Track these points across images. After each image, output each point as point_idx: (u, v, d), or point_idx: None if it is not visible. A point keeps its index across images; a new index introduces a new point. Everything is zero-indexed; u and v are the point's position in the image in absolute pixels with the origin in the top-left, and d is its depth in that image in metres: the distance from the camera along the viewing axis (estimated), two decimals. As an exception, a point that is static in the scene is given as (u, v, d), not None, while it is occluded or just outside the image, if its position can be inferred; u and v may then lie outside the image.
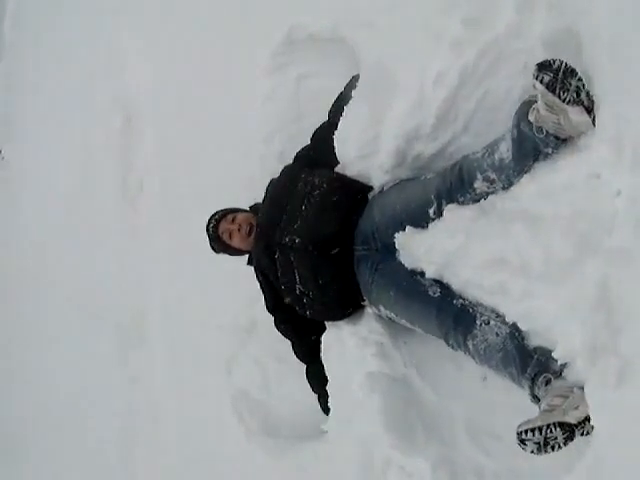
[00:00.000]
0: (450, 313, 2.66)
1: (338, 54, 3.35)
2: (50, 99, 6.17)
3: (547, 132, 2.32)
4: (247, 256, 3.47)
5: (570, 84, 2.22)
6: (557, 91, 2.21)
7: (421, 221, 2.81)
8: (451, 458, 2.67)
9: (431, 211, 2.76)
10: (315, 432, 3.17)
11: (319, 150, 3.40)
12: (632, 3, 2.13)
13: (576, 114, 2.25)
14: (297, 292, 3.17)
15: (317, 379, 3.32)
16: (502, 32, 2.56)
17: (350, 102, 3.17)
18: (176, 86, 4.65)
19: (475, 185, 2.62)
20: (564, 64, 2.21)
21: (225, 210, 3.45)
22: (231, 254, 3.48)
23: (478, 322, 2.56)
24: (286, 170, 3.44)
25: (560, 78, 2.20)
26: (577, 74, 2.23)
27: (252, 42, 3.85)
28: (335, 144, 3.20)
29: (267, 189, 3.41)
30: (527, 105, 2.36)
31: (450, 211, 2.70)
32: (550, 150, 2.38)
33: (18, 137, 6.82)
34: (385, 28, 3.05)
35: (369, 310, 3.17)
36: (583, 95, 2.23)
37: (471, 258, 2.56)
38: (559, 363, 2.29)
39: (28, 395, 5.85)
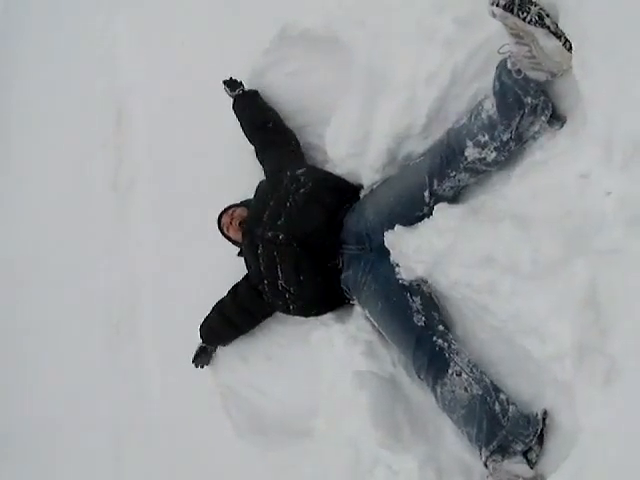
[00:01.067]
0: (427, 351, 2.66)
1: (331, 52, 3.34)
2: (41, 96, 6.15)
3: (526, 74, 2.32)
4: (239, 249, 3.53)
5: (529, 8, 2.23)
6: (515, 11, 2.21)
7: (416, 210, 2.80)
8: (438, 456, 2.66)
9: (426, 194, 2.74)
10: (304, 430, 3.17)
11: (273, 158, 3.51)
12: (622, 4, 2.13)
13: (544, 39, 2.25)
14: (279, 288, 3.19)
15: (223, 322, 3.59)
16: (493, 32, 2.56)
17: (342, 101, 3.18)
18: (168, 83, 4.64)
19: (466, 153, 2.58)
20: None
21: (229, 205, 3.55)
22: (235, 245, 3.56)
23: (450, 371, 2.57)
24: (271, 171, 3.49)
25: (517, 2, 2.22)
26: (536, 3, 2.24)
27: (245, 39, 3.85)
28: (326, 142, 3.21)
29: (257, 188, 3.44)
30: (504, 60, 2.38)
31: (439, 210, 2.70)
32: (530, 100, 2.37)
33: (8, 134, 6.78)
34: (377, 27, 3.05)
35: (358, 308, 3.18)
36: (548, 21, 2.24)
37: (460, 257, 2.56)
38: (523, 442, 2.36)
39: (14, 394, 5.82)
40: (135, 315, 4.60)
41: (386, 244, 2.86)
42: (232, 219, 3.44)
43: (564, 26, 2.27)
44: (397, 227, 2.83)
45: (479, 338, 2.73)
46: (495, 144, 2.51)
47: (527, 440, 2.37)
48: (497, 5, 2.22)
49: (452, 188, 2.73)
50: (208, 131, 4.14)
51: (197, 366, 3.81)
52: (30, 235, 5.86)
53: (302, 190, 3.13)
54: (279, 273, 3.15)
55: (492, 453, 2.39)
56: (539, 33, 2.24)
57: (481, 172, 2.66)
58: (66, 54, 5.95)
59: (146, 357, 4.47)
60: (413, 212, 2.81)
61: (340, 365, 2.97)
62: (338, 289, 3.14)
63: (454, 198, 2.79)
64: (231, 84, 3.79)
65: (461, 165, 2.63)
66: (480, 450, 2.44)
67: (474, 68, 2.67)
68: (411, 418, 2.79)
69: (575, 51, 2.26)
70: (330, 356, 3.05)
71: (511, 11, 2.21)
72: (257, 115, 3.67)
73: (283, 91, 3.72)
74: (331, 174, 3.25)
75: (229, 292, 3.58)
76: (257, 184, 3.44)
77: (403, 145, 2.92)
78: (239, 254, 3.50)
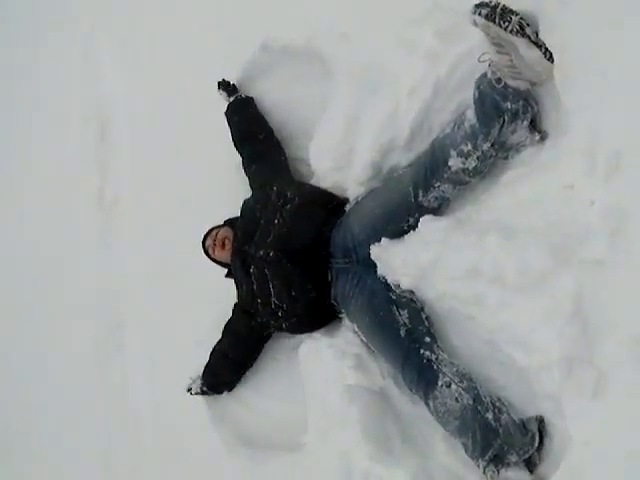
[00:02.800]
0: (415, 365, 2.66)
1: (313, 66, 3.34)
2: (21, 111, 6.11)
3: (506, 83, 2.33)
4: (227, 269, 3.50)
5: (511, 18, 2.24)
6: (497, 20, 2.23)
7: (402, 221, 2.80)
8: (429, 469, 2.65)
9: (411, 205, 2.75)
10: (293, 444, 3.16)
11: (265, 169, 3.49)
12: (603, 16, 2.15)
13: (525, 48, 2.27)
14: (272, 306, 3.17)
15: (217, 368, 3.55)
16: (474, 44, 2.57)
17: (325, 114, 3.18)
18: (151, 97, 4.62)
19: (450, 163, 2.58)
20: (502, 4, 2.25)
21: (212, 228, 3.50)
22: (221, 266, 3.51)
23: (439, 382, 2.57)
24: (258, 185, 3.48)
25: (499, 12, 2.23)
26: (517, 13, 2.26)
27: (227, 52, 3.84)
28: (310, 156, 3.21)
29: (241, 208, 3.42)
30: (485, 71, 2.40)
31: (425, 222, 2.70)
32: (510, 105, 2.38)
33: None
34: (359, 40, 3.06)
35: (346, 322, 3.18)
36: (528, 31, 2.26)
37: (446, 269, 2.56)
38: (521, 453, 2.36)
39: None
40: (121, 330, 4.57)
41: (372, 257, 2.86)
42: (215, 240, 3.40)
43: (545, 37, 2.28)
44: (383, 240, 2.83)
45: (468, 350, 2.72)
46: (477, 153, 2.52)
47: (524, 450, 2.36)
48: (479, 14, 2.24)
49: (437, 199, 2.73)
50: (193, 145, 4.12)
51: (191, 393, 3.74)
52: (13, 251, 5.82)
53: (289, 206, 3.12)
54: (271, 290, 3.14)
55: (489, 463, 2.39)
56: (520, 43, 2.26)
57: (465, 183, 2.67)
58: (48, 69, 5.91)
59: (133, 372, 4.44)
60: (398, 223, 2.82)
61: (329, 379, 2.96)
62: (329, 304, 3.14)
63: (439, 209, 2.80)
64: (226, 87, 3.74)
65: (445, 175, 2.63)
66: (477, 461, 2.45)
67: (456, 80, 2.69)
68: (401, 431, 2.79)
69: (557, 63, 2.28)
70: (319, 370, 3.04)
71: (493, 20, 2.23)
72: (249, 124, 3.63)
73: (266, 105, 3.71)
74: (318, 188, 3.24)
75: (223, 331, 3.54)
76: (242, 201, 3.42)
77: (387, 158, 2.92)
78: (227, 275, 3.48)
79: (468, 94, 2.58)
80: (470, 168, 2.57)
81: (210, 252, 3.46)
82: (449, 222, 2.63)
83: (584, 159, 2.17)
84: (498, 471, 2.37)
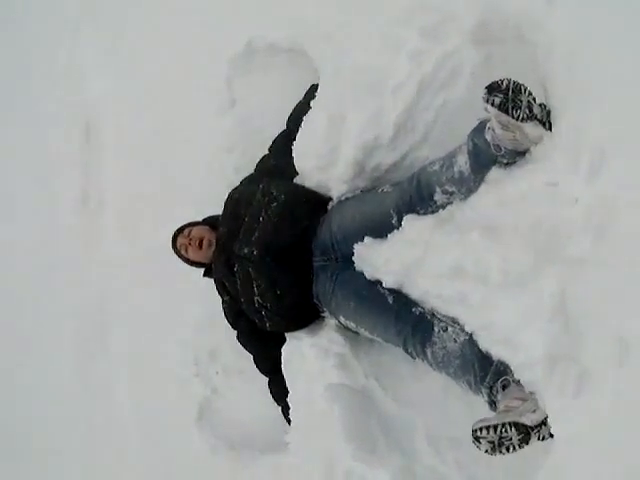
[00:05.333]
0: (408, 321, 2.67)
1: (297, 65, 3.34)
2: (5, 112, 6.09)
3: (505, 148, 2.34)
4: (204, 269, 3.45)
5: (521, 101, 2.23)
6: (510, 111, 2.22)
7: (381, 232, 2.81)
8: (412, 468, 2.66)
9: (394, 222, 2.76)
10: (276, 445, 3.15)
11: (279, 160, 3.40)
12: (588, 16, 2.16)
13: (531, 129, 2.28)
14: (256, 305, 3.15)
15: (280, 391, 3.29)
16: (459, 43, 2.57)
17: (309, 112, 3.17)
18: (136, 98, 4.61)
19: (435, 198, 2.63)
20: (512, 82, 2.22)
21: (183, 225, 3.44)
22: (193, 266, 3.46)
23: (436, 329, 2.57)
24: (245, 181, 3.46)
25: (511, 97, 2.21)
26: (526, 89, 2.25)
27: (212, 53, 3.84)
28: (294, 155, 3.20)
29: (226, 202, 3.38)
30: (483, 123, 2.38)
31: (409, 221, 2.70)
32: (506, 160, 2.40)
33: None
34: (343, 39, 3.06)
35: (329, 321, 3.17)
36: (535, 109, 2.27)
37: (430, 268, 2.56)
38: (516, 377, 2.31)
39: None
40: (105, 332, 4.56)
41: (355, 256, 2.86)
42: (190, 239, 3.34)
43: (531, 37, 2.29)
44: (366, 239, 2.83)
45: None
46: (464, 195, 2.57)
47: None
48: (492, 104, 2.22)
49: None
50: (178, 147, 4.12)
51: None
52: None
53: (275, 204, 3.11)
54: (255, 289, 3.12)
55: (493, 385, 2.35)
56: (529, 127, 2.27)
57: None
58: (33, 70, 5.89)
59: (117, 374, 4.43)
60: (379, 233, 2.83)
61: (312, 378, 2.96)
62: (312, 303, 3.13)
63: None
64: None
65: (429, 208, 2.68)
66: (481, 391, 2.41)
67: (441, 79, 2.69)
68: (384, 430, 2.79)
69: (542, 62, 2.29)
70: (302, 369, 3.04)
71: (506, 111, 2.21)
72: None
73: (250, 104, 3.71)
74: (303, 187, 3.23)
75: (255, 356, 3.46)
76: (227, 194, 3.39)
77: (371, 156, 2.92)
78: (205, 274, 3.45)
79: (452, 93, 2.60)
80: (455, 201, 2.61)
81: (183, 251, 3.39)
82: (433, 221, 2.62)
83: (568, 157, 2.18)
84: (508, 384, 2.32)
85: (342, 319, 3.01)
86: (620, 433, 1.93)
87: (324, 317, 3.20)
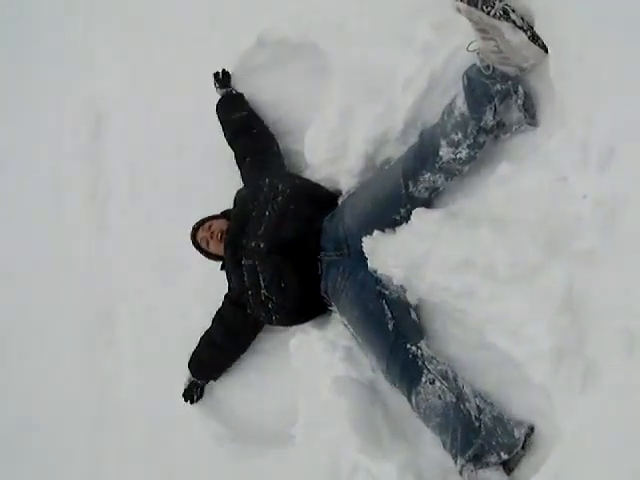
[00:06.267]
0: (399, 360, 2.66)
1: (309, 58, 3.34)
2: (17, 102, 6.10)
3: (494, 68, 2.35)
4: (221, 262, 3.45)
5: (494, 3, 2.26)
6: (480, 5, 2.24)
7: (393, 213, 2.80)
8: (417, 462, 2.66)
9: (402, 196, 2.75)
10: (283, 437, 3.15)
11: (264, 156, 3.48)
12: (598, 9, 2.15)
13: (510, 33, 2.28)
14: (262, 298, 3.16)
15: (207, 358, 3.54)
16: (470, 37, 2.56)
17: (321, 107, 3.18)
18: (147, 91, 4.60)
19: (441, 153, 2.60)
20: None
21: (203, 219, 3.44)
22: (212, 259, 3.46)
23: (423, 379, 2.57)
24: (250, 178, 3.47)
25: None
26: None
27: (223, 47, 3.84)
28: (305, 147, 3.21)
29: (235, 198, 3.40)
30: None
31: (417, 215, 2.70)
32: (499, 87, 2.41)
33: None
34: (354, 33, 3.05)
35: (336, 315, 3.16)
36: (513, 16, 2.28)
37: (438, 261, 2.56)
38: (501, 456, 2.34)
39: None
40: (113, 322, 4.56)
41: (364, 250, 2.85)
42: (212, 233, 3.34)
43: (544, 31, 2.29)
44: (375, 232, 2.82)
45: (457, 344, 2.73)
46: (468, 141, 2.53)
47: (505, 451, 2.36)
48: (461, 0, 2.25)
49: (427, 189, 2.73)
50: (188, 140, 4.11)
51: (187, 401, 3.72)
52: (4, 246, 5.80)
53: (280, 198, 3.12)
54: (261, 282, 3.12)
55: (467, 462, 2.39)
56: (504, 27, 2.27)
57: (456, 173, 2.68)
58: (45, 64, 5.90)
59: (124, 368, 4.43)
60: (390, 215, 2.81)
61: (319, 371, 2.95)
62: (319, 297, 3.13)
63: (431, 201, 2.81)
64: (221, 79, 3.74)
65: (436, 165, 2.64)
66: (455, 459, 2.44)
67: (451, 73, 2.68)
68: (390, 423, 2.79)
69: (552, 56, 2.28)
70: (309, 362, 3.03)
71: (475, 5, 2.24)
72: (241, 120, 3.61)
73: (262, 98, 3.71)
74: (310, 181, 3.24)
75: (213, 320, 3.51)
76: (236, 192, 3.41)
77: (381, 150, 2.93)
78: (222, 268, 3.43)
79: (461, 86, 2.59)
80: (461, 157, 2.59)
81: (204, 245, 3.40)
82: (441, 214, 2.63)
83: (577, 152, 2.17)
84: (476, 471, 2.36)
85: (345, 321, 3.02)
86: (627, 428, 1.93)
87: (331, 311, 3.20)
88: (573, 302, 2.12)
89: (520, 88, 2.45)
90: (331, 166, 3.12)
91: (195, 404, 3.71)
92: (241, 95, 3.71)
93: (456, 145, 2.56)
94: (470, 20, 2.28)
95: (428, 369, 2.58)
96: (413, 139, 2.81)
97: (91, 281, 4.80)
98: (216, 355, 3.57)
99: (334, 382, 2.86)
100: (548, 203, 2.26)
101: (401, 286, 2.79)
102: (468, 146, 2.54)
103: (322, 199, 3.17)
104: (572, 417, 2.08)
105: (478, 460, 2.37)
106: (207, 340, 3.56)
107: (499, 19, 2.25)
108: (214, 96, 3.79)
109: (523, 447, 2.37)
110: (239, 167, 3.57)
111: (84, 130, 5.13)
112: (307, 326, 3.23)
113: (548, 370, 2.14)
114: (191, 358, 3.63)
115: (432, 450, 2.67)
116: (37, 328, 5.19)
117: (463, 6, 2.24)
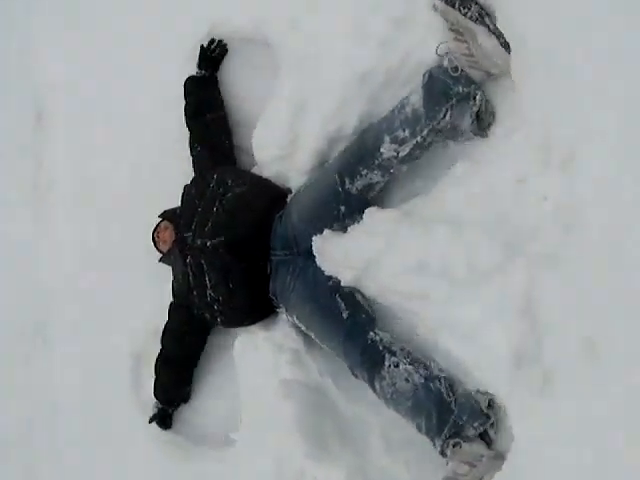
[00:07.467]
0: (358, 345, 2.61)
1: (261, 52, 3.27)
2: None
3: (461, 70, 2.34)
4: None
5: (471, 6, 2.29)
6: (457, 5, 2.27)
7: (333, 210, 2.76)
8: (365, 468, 2.61)
9: (339, 193, 2.72)
10: (225, 441, 3.08)
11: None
12: (560, 8, 2.12)
13: (484, 37, 2.29)
14: (208, 298, 3.08)
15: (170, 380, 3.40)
16: (428, 33, 2.52)
17: (270, 102, 3.10)
18: (90, 84, 4.50)
19: (382, 149, 2.56)
20: None
21: (159, 222, 3.36)
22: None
23: (387, 363, 2.51)
24: (198, 169, 3.37)
25: None
26: (477, 2, 2.30)
27: (172, 39, 3.74)
28: (253, 144, 3.14)
29: (182, 195, 3.30)
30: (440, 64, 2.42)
31: (369, 214, 2.65)
32: (460, 89, 2.38)
33: None
34: (308, 27, 2.99)
35: (283, 316, 3.09)
36: (487, 20, 2.30)
37: (391, 263, 2.50)
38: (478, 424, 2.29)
39: None
40: (50, 320, 4.44)
41: (314, 249, 2.79)
42: (159, 233, 3.29)
43: (504, 29, 2.28)
44: (325, 231, 2.77)
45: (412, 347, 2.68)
46: (414, 140, 2.50)
47: (479, 422, 2.30)
48: None
49: (365, 186, 2.70)
50: (131, 132, 4.01)
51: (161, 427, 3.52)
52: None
53: (229, 194, 3.03)
54: (207, 282, 3.04)
55: (446, 440, 2.31)
56: (479, 30, 2.29)
57: (393, 171, 2.64)
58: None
59: (60, 364, 4.32)
60: (330, 212, 2.77)
61: (265, 373, 2.89)
62: (267, 298, 3.06)
63: (369, 197, 2.75)
64: (207, 56, 3.48)
65: (375, 162, 2.61)
66: (433, 440, 2.37)
67: (408, 69, 2.62)
68: (338, 428, 2.74)
69: (513, 54, 2.26)
70: (254, 364, 2.97)
71: (453, 5, 2.27)
72: (208, 102, 3.42)
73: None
74: (260, 178, 3.16)
75: (161, 340, 3.39)
76: (183, 188, 3.31)
77: (334, 147, 2.86)
78: (161, 260, 3.36)
79: (420, 83, 2.55)
80: (403, 156, 2.55)
81: (159, 246, 3.32)
82: (395, 214, 2.58)
83: (538, 154, 2.18)
84: (461, 444, 2.28)
85: (296, 319, 2.95)
86: (585, 434, 1.91)
87: (279, 312, 3.13)
88: (532, 306, 2.09)
89: (479, 95, 2.41)
90: (280, 163, 3.05)
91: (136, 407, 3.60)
92: (214, 79, 3.48)
93: (400, 142, 2.52)
94: (446, 20, 2.31)
95: (391, 351, 2.52)
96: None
97: (27, 278, 4.69)
98: (174, 370, 3.41)
99: (281, 385, 2.79)
100: (507, 204, 2.25)
101: (354, 287, 2.73)
102: (414, 145, 2.51)
103: (273, 198, 3.08)
104: (529, 422, 2.07)
105: (457, 435, 2.31)
106: (161, 362, 3.41)
107: (475, 22, 2.28)
108: (161, 91, 3.70)
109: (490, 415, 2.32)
110: (190, 153, 3.42)
111: (24, 120, 5.01)
112: (253, 327, 3.17)
113: (506, 375, 2.12)
114: (154, 388, 3.45)
115: (381, 456, 2.64)
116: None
117: (441, 5, 2.28)
